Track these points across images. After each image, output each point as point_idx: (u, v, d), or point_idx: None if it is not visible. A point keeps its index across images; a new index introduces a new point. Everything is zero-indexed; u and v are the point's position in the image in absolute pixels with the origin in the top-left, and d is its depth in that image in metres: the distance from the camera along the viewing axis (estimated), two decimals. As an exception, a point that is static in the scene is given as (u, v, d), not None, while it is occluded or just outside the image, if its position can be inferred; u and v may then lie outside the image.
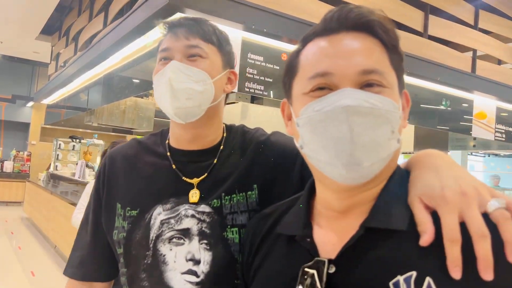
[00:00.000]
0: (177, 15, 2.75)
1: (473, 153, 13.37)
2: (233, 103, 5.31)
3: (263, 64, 3.18)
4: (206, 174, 1.02)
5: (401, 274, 0.60)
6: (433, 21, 4.09)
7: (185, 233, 0.97)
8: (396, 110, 0.66)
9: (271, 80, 3.22)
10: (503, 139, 4.79)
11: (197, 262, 0.95)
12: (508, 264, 0.55)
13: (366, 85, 0.66)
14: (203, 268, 0.95)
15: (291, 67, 0.76)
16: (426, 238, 0.59)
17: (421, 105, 4.35)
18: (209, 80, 0.98)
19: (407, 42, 3.87)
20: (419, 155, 0.76)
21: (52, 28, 8.00)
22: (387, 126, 0.65)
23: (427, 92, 4.29)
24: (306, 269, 0.67)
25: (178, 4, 2.60)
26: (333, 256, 0.67)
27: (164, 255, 0.96)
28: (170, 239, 0.97)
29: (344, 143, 0.63)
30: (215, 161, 1.03)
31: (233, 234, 0.98)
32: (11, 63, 12.09)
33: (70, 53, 6.32)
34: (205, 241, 0.96)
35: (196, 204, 0.99)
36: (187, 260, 0.95)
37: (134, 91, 4.48)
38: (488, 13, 4.55)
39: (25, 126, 13.15)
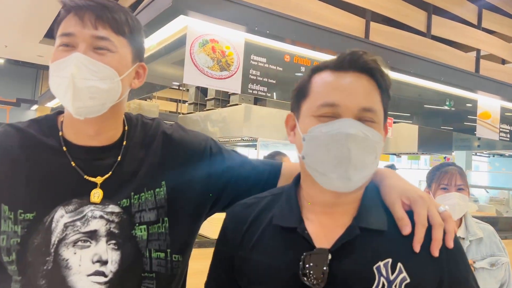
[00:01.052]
0: (181, 18, 2.76)
1: (477, 154, 13.31)
2: (236, 104, 5.32)
3: (266, 65, 3.18)
4: (110, 172, 0.96)
5: (381, 261, 0.81)
6: (436, 21, 4.09)
7: (92, 235, 0.93)
8: (381, 141, 0.86)
9: (274, 81, 3.22)
10: (508, 139, 4.77)
11: (104, 262, 0.93)
12: (445, 248, 0.83)
13: (362, 119, 0.84)
14: (111, 268, 0.93)
15: (302, 89, 0.91)
16: (408, 229, 0.83)
17: (425, 106, 4.34)
18: (116, 78, 0.91)
19: (410, 42, 3.86)
20: (384, 170, 0.98)
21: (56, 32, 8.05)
22: (373, 153, 0.84)
23: (431, 92, 4.27)
24: (308, 256, 0.81)
25: (181, 7, 2.61)
26: (328, 246, 0.83)
27: (67, 260, 0.91)
28: (75, 243, 0.92)
29: (342, 161, 0.81)
30: (119, 159, 0.98)
31: (141, 232, 0.98)
32: (15, 67, 12.15)
33: (74, 56, 6.34)
34: (113, 241, 0.94)
35: (101, 204, 0.94)
36: (94, 262, 0.92)
37: (138, 93, 4.49)
38: (491, 12, 4.54)
39: (29, 130, 13.19)
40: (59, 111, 1.02)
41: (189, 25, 2.79)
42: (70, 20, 0.91)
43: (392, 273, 0.80)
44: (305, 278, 0.80)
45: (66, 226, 0.92)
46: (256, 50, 3.13)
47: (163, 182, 1.00)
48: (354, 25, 3.55)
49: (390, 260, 0.81)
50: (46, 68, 11.66)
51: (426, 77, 3.95)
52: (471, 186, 8.24)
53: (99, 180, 0.95)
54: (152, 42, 3.28)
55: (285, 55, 3.29)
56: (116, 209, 0.95)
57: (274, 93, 3.26)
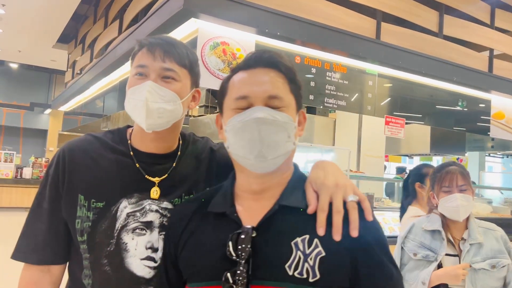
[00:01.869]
0: (192, 21, 2.78)
1: (491, 154, 13.14)
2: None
3: (277, 67, 3.18)
4: (166, 175, 1.17)
5: (299, 237, 0.91)
6: (448, 20, 4.05)
7: (148, 225, 1.12)
8: (291, 122, 0.95)
9: (285, 83, 3.22)
10: (523, 139, 4.70)
11: (155, 250, 1.12)
12: (348, 234, 0.90)
13: (271, 106, 0.95)
14: (160, 255, 1.11)
15: (223, 90, 1.03)
16: (311, 208, 0.93)
17: (437, 106, 4.30)
18: (178, 101, 1.13)
19: (422, 42, 3.84)
20: (317, 162, 1.08)
21: (69, 37, 8.15)
22: (284, 133, 0.94)
23: (443, 92, 4.24)
24: (235, 233, 0.92)
25: (193, 10, 2.63)
26: (254, 224, 0.93)
27: (126, 244, 1.10)
28: (133, 230, 1.11)
29: (256, 142, 0.92)
30: (174, 164, 1.19)
31: None
32: (29, 72, 12.34)
33: (86, 60, 6.43)
34: (164, 233, 1.12)
35: (158, 200, 1.14)
36: (147, 248, 1.11)
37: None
38: (504, 11, 4.49)
39: (43, 133, 13.39)
40: (128, 126, 1.26)
41: (200, 27, 2.81)
42: (143, 54, 1.13)
43: (309, 248, 0.90)
44: (233, 255, 0.90)
45: (128, 215, 1.11)
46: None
47: (208, 188, 1.17)
48: (365, 26, 3.54)
49: (307, 236, 0.91)
50: (59, 72, 11.82)
51: (438, 77, 3.92)
52: (485, 187, 8.13)
53: (157, 180, 1.16)
54: (164, 45, 3.29)
55: (296, 57, 3.29)
56: (169, 205, 1.15)
57: (285, 95, 3.26)
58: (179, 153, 1.22)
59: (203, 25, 2.81)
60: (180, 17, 2.73)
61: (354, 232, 0.90)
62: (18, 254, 1.14)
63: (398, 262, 1.95)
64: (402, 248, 2.00)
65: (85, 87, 6.30)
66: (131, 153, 1.17)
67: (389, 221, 3.70)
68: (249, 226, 0.93)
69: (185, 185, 1.18)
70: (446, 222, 1.94)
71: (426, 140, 6.74)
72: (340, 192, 0.95)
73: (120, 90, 5.16)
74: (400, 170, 8.07)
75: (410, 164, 11.75)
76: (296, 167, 1.06)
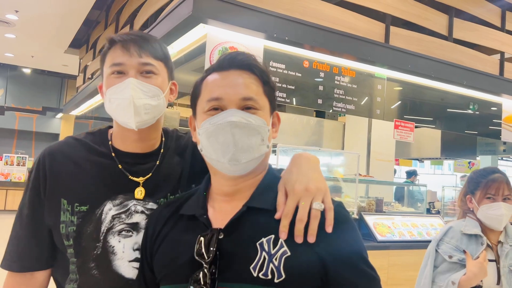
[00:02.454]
0: (200, 26, 2.80)
1: (503, 158, 12.97)
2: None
3: (285, 71, 3.20)
4: (150, 174, 1.15)
5: (265, 237, 0.90)
6: (458, 24, 4.03)
7: (134, 227, 1.11)
8: (265, 125, 0.95)
9: (293, 87, 3.23)
10: (535, 143, 4.64)
11: None
12: (325, 233, 0.89)
13: (245, 108, 0.94)
14: None
15: (196, 92, 1.01)
16: (278, 214, 0.91)
17: (448, 110, 4.27)
18: (161, 95, 1.13)
19: (431, 46, 3.82)
20: (296, 155, 1.05)
21: (80, 42, 8.25)
22: (258, 136, 0.93)
23: (454, 96, 4.21)
24: (202, 236, 0.91)
25: (201, 16, 2.65)
26: (222, 226, 0.93)
27: (113, 247, 1.09)
28: (119, 232, 1.10)
29: (229, 146, 0.91)
30: (157, 163, 1.17)
31: None
32: (41, 76, 12.51)
33: (97, 65, 6.50)
34: None
35: (143, 200, 1.13)
36: (134, 250, 1.10)
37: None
38: (515, 14, 4.45)
39: (54, 137, 13.54)
40: (109, 126, 1.23)
41: (208, 33, 2.83)
42: (116, 52, 1.11)
43: (274, 248, 0.89)
44: (199, 257, 0.89)
45: (113, 217, 1.10)
46: (275, 56, 3.14)
47: (193, 185, 1.15)
48: (374, 30, 3.54)
49: (273, 236, 0.90)
50: (70, 77, 11.96)
51: (448, 81, 3.90)
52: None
53: (141, 180, 1.14)
54: (173, 51, 3.33)
55: (304, 61, 3.30)
56: (154, 206, 1.13)
57: (294, 99, 3.27)
58: (161, 150, 1.19)
59: (212, 31, 2.83)
60: (189, 22, 2.76)
61: (310, 238, 0.88)
62: (4, 262, 1.12)
63: (430, 264, 1.95)
64: (436, 250, 2.00)
65: (96, 92, 6.37)
66: (113, 154, 1.14)
67: (398, 226, 3.67)
68: (216, 228, 0.93)
69: (170, 184, 1.17)
70: (483, 227, 1.95)
71: (436, 144, 6.69)
72: (308, 198, 0.92)
73: (131, 94, 5.20)
74: (410, 174, 8.01)
75: (421, 168, 11.66)
76: (270, 167, 1.05)
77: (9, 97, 12.60)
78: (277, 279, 0.86)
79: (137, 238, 1.10)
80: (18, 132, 13.38)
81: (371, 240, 3.44)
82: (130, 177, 1.13)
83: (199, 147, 0.99)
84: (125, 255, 1.09)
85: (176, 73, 1.24)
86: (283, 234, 0.88)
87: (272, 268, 0.87)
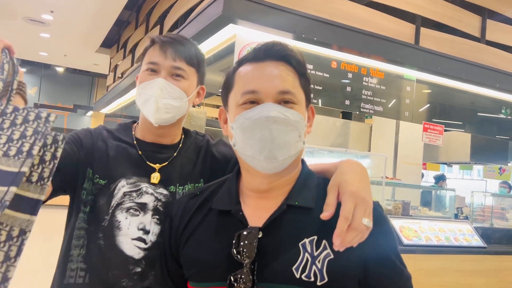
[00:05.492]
0: (230, 27, 2.84)
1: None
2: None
3: (313, 72, 3.20)
4: (167, 162, 1.23)
5: (307, 238, 0.87)
6: (491, 25, 3.94)
7: (142, 207, 1.17)
8: (302, 120, 0.91)
9: (320, 88, 3.23)
10: None
11: (147, 232, 1.15)
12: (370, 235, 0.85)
13: (283, 102, 0.90)
14: (151, 238, 1.15)
15: (228, 83, 0.98)
16: (326, 214, 0.84)
17: (478, 114, 4.18)
18: (185, 98, 1.21)
19: (463, 48, 3.74)
20: (349, 160, 1.01)
21: (111, 41, 8.45)
22: (295, 132, 0.89)
23: (485, 99, 4.11)
24: (240, 234, 0.88)
25: (231, 16, 2.69)
26: (260, 225, 0.89)
27: (119, 222, 1.15)
28: (128, 209, 1.16)
29: (266, 142, 0.87)
30: (175, 154, 1.25)
31: None
32: (73, 75, 12.86)
33: (127, 64, 6.65)
34: (157, 217, 1.17)
35: (156, 185, 1.19)
36: (139, 229, 1.15)
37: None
38: (552, 15, 4.31)
39: (84, 134, 13.86)
40: (134, 121, 1.34)
41: (237, 33, 2.86)
42: (155, 52, 1.20)
43: (317, 249, 0.86)
44: (238, 256, 0.86)
45: (124, 194, 1.17)
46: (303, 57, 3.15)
47: (202, 180, 1.26)
48: (403, 31, 3.50)
49: (315, 237, 0.87)
50: (101, 76, 12.26)
51: (479, 83, 3.81)
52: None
53: (157, 166, 1.22)
54: (203, 51, 3.37)
55: (332, 62, 3.29)
56: (164, 191, 1.20)
57: (320, 100, 3.26)
58: (180, 145, 1.28)
59: (241, 31, 2.86)
60: (219, 23, 2.80)
61: (355, 244, 0.84)
62: None
63: None
64: None
65: (125, 91, 6.50)
66: (134, 142, 1.25)
67: (425, 230, 3.61)
68: (255, 227, 0.89)
69: (182, 176, 1.24)
70: None
71: (466, 148, 6.53)
72: (362, 208, 0.86)
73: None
74: (438, 179, 7.83)
75: (449, 173, 11.39)
76: (304, 164, 1.01)
77: (42, 95, 12.99)
78: (320, 281, 0.84)
79: (143, 218, 1.16)
80: (51, 129, 13.78)
81: (397, 243, 3.39)
82: (147, 162, 1.22)
83: (231, 142, 0.96)
84: (129, 231, 1.14)
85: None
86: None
87: (315, 270, 0.85)
